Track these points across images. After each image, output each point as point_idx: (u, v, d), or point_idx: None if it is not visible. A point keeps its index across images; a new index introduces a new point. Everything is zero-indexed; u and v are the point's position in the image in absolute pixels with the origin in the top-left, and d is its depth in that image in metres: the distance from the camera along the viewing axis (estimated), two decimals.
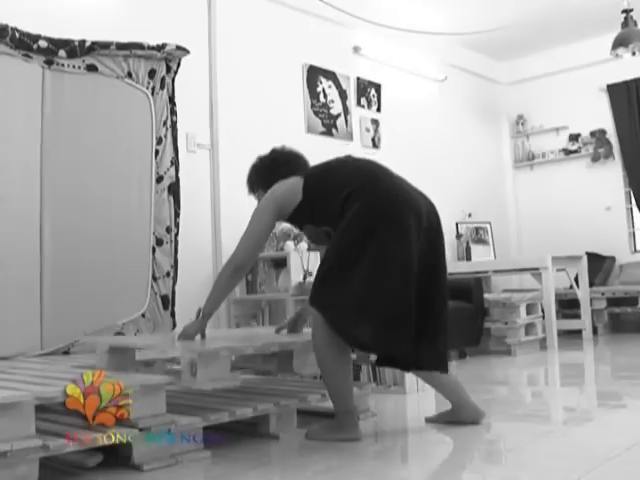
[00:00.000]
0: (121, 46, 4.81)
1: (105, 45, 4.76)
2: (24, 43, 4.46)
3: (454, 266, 7.96)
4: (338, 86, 7.18)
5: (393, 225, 3.10)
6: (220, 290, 3.37)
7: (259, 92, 6.30)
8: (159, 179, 4.92)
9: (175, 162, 5.01)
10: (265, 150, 3.58)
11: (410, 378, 4.45)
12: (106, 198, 4.74)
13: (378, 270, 3.06)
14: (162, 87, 4.98)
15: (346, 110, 7.22)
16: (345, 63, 7.33)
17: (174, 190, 4.97)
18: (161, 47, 4.94)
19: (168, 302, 4.91)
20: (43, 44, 4.55)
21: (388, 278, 3.05)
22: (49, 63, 4.58)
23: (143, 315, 4.79)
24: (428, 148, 8.10)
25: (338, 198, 3.18)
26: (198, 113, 5.85)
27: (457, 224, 8.36)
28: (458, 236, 8.30)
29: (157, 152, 4.92)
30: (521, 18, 7.94)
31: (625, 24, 6.86)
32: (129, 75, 4.85)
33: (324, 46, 7.10)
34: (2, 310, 4.29)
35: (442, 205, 8.03)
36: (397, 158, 7.46)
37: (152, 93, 4.93)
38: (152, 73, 4.94)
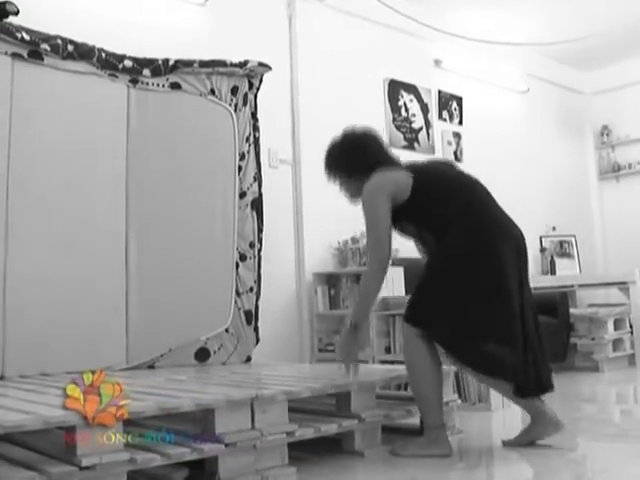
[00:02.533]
0: (204, 64, 4.87)
1: (188, 63, 4.82)
2: (110, 63, 4.56)
3: (538, 280, 7.79)
4: (419, 100, 7.14)
5: (496, 256, 3.19)
6: (368, 296, 3.37)
7: (341, 106, 6.28)
8: (242, 195, 4.95)
9: (258, 178, 5.03)
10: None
11: (496, 394, 4.39)
12: (190, 214, 4.79)
13: (488, 299, 3.14)
14: (245, 103, 5.02)
15: (428, 124, 7.18)
16: (426, 76, 7.29)
17: (257, 206, 5.00)
18: (243, 64, 4.98)
19: (251, 317, 4.93)
20: (128, 64, 4.63)
21: (499, 307, 3.14)
22: (134, 82, 4.67)
23: (227, 330, 4.82)
24: (511, 160, 7.98)
25: (446, 209, 3.27)
26: (280, 128, 5.88)
27: (541, 238, 8.23)
28: (542, 250, 8.16)
29: (240, 168, 4.96)
30: (604, 27, 7.75)
31: None
32: (212, 92, 4.90)
33: (405, 60, 7.08)
34: (89, 324, 4.38)
35: (525, 218, 7.93)
36: (479, 171, 7.28)
37: (235, 110, 4.98)
38: (235, 90, 4.98)
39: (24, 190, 4.21)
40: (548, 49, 8.18)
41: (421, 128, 7.12)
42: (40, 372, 4.12)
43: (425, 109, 7.19)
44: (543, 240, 8.23)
